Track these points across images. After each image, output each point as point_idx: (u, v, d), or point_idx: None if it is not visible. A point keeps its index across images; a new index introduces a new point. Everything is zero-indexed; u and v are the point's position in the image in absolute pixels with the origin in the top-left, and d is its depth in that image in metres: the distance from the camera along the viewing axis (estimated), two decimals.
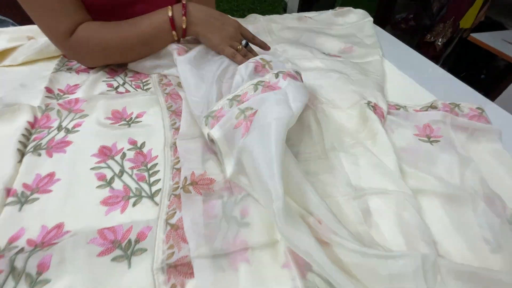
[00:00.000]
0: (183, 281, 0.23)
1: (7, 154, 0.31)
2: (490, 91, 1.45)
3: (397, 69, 0.54)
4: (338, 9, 0.73)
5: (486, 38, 1.35)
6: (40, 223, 0.26)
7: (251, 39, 0.46)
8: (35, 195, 0.28)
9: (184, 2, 0.42)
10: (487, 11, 2.29)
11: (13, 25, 1.15)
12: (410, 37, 2.71)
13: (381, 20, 1.79)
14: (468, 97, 0.48)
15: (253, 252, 0.25)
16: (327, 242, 0.24)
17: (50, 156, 0.32)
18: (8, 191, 0.28)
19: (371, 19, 0.69)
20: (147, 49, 0.44)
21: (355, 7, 0.75)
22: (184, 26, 0.42)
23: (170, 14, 0.41)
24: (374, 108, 0.38)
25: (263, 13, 0.71)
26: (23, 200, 0.27)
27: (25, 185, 0.29)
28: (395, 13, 2.66)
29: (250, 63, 0.38)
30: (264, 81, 0.34)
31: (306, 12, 0.75)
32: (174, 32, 0.42)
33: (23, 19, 0.44)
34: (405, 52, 0.65)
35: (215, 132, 0.31)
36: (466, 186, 0.31)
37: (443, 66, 2.45)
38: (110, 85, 0.44)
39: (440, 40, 2.36)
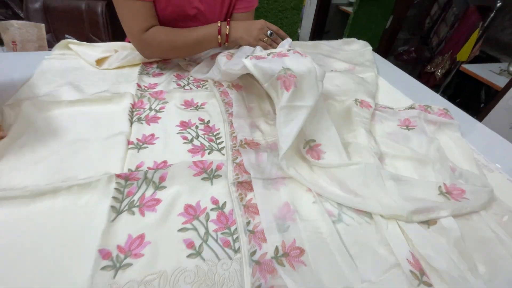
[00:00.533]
0: (246, 192, 0.38)
1: (123, 122, 0.48)
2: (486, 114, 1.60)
3: (388, 83, 0.71)
4: (345, 39, 0.92)
5: (475, 69, 1.53)
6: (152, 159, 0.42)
7: (276, 30, 0.63)
8: (145, 145, 0.44)
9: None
10: (482, 46, 2.51)
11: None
12: (412, 67, 2.94)
13: (383, 51, 2.01)
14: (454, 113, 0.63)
15: (288, 181, 0.40)
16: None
17: (148, 124, 0.49)
18: (128, 142, 0.44)
19: (371, 47, 0.87)
20: (199, 49, 0.64)
21: (361, 39, 0.94)
22: (227, 33, 0.60)
23: (219, 24, 0.60)
24: (361, 102, 0.54)
25: None
26: (139, 145, 0.44)
27: (138, 139, 0.45)
28: (398, 46, 2.91)
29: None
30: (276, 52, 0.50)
31: (318, 41, 0.94)
32: (219, 37, 0.60)
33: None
34: (396, 73, 0.82)
35: (248, 62, 0.44)
36: (430, 154, 0.46)
37: (443, 94, 2.62)
38: (179, 85, 0.62)
39: (439, 71, 2.57)
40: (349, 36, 1.77)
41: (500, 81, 1.37)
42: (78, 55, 0.68)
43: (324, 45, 0.87)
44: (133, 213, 0.35)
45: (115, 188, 0.37)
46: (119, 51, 0.70)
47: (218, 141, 0.47)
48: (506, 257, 0.33)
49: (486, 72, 1.49)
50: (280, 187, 0.39)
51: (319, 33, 2.71)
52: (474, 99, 2.23)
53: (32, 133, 0.45)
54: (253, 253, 0.31)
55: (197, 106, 0.56)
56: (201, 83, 0.64)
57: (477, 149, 0.51)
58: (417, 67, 2.91)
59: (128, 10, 0.57)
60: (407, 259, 0.32)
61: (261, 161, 0.43)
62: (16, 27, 1.19)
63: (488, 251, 0.34)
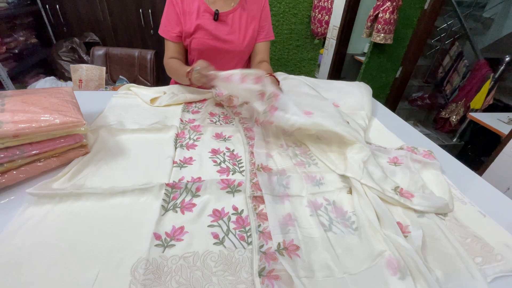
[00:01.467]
0: (258, 204, 0.50)
1: (170, 147, 0.64)
2: None
3: (384, 126, 0.83)
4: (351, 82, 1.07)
5: (483, 117, 1.61)
6: (190, 174, 0.56)
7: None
8: (185, 165, 0.59)
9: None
10: (499, 95, 2.58)
11: (126, 82, 1.68)
12: (427, 112, 3.02)
13: (394, 97, 2.14)
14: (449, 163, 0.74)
15: (291, 198, 0.52)
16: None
17: (188, 150, 0.65)
18: (173, 161, 0.59)
19: (371, 90, 1.00)
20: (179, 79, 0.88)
21: (372, 86, 1.07)
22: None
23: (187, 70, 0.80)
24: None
25: None
26: (181, 165, 0.58)
27: (180, 160, 0.60)
28: (412, 92, 3.05)
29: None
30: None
31: (330, 80, 1.08)
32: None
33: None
34: (392, 117, 0.94)
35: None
36: (411, 183, 0.56)
37: (460, 139, 2.63)
38: (212, 121, 0.79)
39: (454, 117, 2.63)
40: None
41: (507, 130, 1.43)
42: (136, 95, 0.88)
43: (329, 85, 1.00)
44: (176, 212, 0.48)
45: (164, 193, 0.51)
46: (167, 92, 0.90)
47: (240, 165, 0.61)
48: (462, 269, 0.41)
49: (494, 120, 1.56)
50: (285, 201, 0.51)
51: (335, 78, 2.93)
52: (490, 145, 2.24)
53: (107, 151, 0.61)
54: (261, 246, 0.43)
55: (225, 138, 0.71)
56: (229, 119, 0.80)
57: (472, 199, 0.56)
58: (432, 112, 3.00)
59: (166, 45, 0.92)
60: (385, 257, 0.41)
61: (272, 182, 0.55)
62: (84, 69, 1.49)
63: (448, 263, 0.42)
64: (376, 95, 2.10)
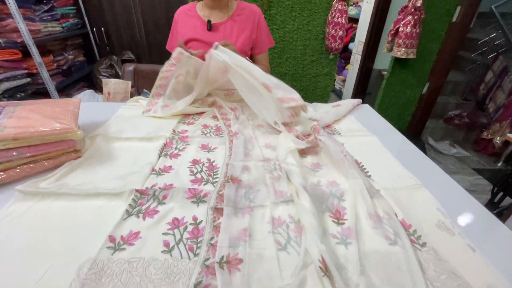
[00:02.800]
0: (219, 216, 0.50)
1: (154, 155, 0.67)
2: None
3: (382, 145, 0.77)
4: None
5: None
6: (165, 181, 0.58)
7: None
8: (163, 173, 0.61)
9: None
10: None
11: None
12: (465, 133, 2.74)
13: (421, 114, 1.99)
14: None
15: (253, 210, 0.51)
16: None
17: (170, 159, 0.67)
18: (152, 169, 0.62)
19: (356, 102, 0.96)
20: None
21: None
22: None
23: None
24: None
25: (312, 101, 1.05)
26: (159, 172, 0.61)
27: (160, 168, 0.63)
28: (448, 110, 2.80)
29: None
30: None
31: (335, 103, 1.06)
32: None
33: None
34: (392, 132, 0.87)
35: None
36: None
37: (506, 163, 2.33)
38: (203, 132, 0.81)
39: (498, 138, 2.34)
40: (382, 99, 1.85)
41: None
42: (142, 107, 0.95)
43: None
44: (138, 217, 0.50)
45: (133, 199, 0.53)
46: (168, 105, 0.96)
47: (215, 176, 0.62)
48: None
49: None
50: (245, 215, 0.50)
51: (360, 94, 2.83)
52: None
53: (98, 156, 0.67)
54: (207, 259, 0.42)
55: (210, 149, 0.73)
56: (220, 132, 0.82)
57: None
58: (471, 132, 2.71)
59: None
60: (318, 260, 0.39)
61: (238, 194, 0.55)
62: (113, 83, 1.65)
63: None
64: (400, 113, 1.98)
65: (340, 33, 1.48)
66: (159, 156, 0.68)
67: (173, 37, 1.07)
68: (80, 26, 2.42)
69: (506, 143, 2.31)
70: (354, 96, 2.90)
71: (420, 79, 1.80)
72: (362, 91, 2.86)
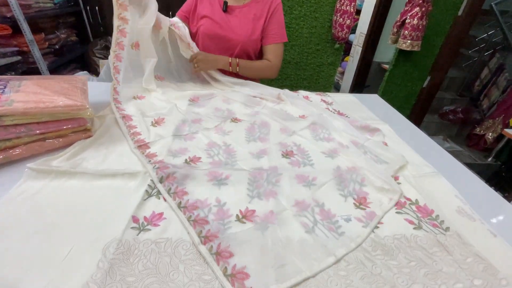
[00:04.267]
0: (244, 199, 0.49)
1: (168, 137, 0.65)
2: None
3: (399, 137, 0.78)
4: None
5: None
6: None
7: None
8: (181, 155, 0.59)
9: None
10: None
11: None
12: (459, 128, 2.80)
13: (420, 108, 2.02)
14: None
15: (277, 194, 0.50)
16: None
17: (186, 141, 0.65)
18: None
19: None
20: None
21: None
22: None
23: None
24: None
25: (315, 91, 1.05)
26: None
27: (176, 149, 0.61)
28: (443, 105, 2.85)
29: None
30: None
31: (346, 94, 1.06)
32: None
33: None
34: (410, 129, 0.88)
35: None
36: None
37: (496, 159, 2.41)
38: (215, 115, 0.79)
39: (490, 134, 2.41)
40: (384, 91, 1.86)
41: None
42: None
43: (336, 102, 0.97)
44: (159, 198, 0.48)
45: (151, 180, 0.51)
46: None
47: (233, 160, 0.60)
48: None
49: None
50: (270, 199, 0.50)
51: (359, 86, 2.84)
52: None
53: (109, 136, 0.64)
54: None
55: (225, 132, 0.71)
56: (231, 116, 0.80)
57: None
58: (465, 128, 2.78)
59: None
60: None
61: (261, 178, 0.54)
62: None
63: (440, 283, 0.38)
64: (400, 105, 2.00)
65: (348, 21, 1.46)
66: (173, 139, 0.66)
67: (186, 4, 1.03)
68: (72, 3, 2.30)
69: (497, 139, 2.38)
70: (353, 88, 2.91)
71: (422, 73, 1.81)
72: (361, 84, 2.87)
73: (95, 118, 0.69)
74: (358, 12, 3.03)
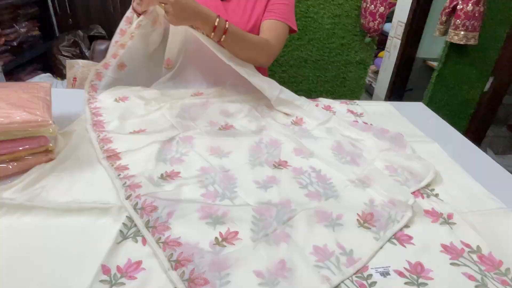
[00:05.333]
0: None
1: (151, 163, 0.67)
2: None
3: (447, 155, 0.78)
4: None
5: None
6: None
7: None
8: (166, 182, 0.61)
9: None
10: None
11: None
12: None
13: (482, 119, 2.01)
14: None
15: (290, 236, 0.50)
16: None
17: (172, 165, 0.67)
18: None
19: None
20: None
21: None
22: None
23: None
24: None
25: (341, 97, 1.07)
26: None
27: (159, 175, 0.62)
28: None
29: None
30: None
31: (377, 102, 1.08)
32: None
33: None
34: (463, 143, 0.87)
35: None
36: None
37: None
38: (210, 130, 0.81)
39: None
40: (431, 97, 1.87)
41: None
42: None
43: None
44: (136, 241, 0.49)
45: (126, 216, 0.52)
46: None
47: (233, 189, 0.61)
48: None
49: None
50: (281, 243, 0.50)
51: (398, 90, 2.86)
52: None
53: (75, 159, 0.66)
54: None
55: (222, 153, 0.72)
56: (232, 130, 0.82)
57: None
58: None
59: None
60: None
61: (268, 215, 0.55)
62: (80, 65, 1.65)
63: None
64: (454, 117, 2.00)
65: (382, 9, 1.50)
66: (156, 162, 0.67)
67: None
68: None
69: None
70: (390, 93, 2.93)
71: (482, 73, 1.82)
72: (400, 86, 2.89)
73: (58, 135, 0.72)
74: None
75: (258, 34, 1.02)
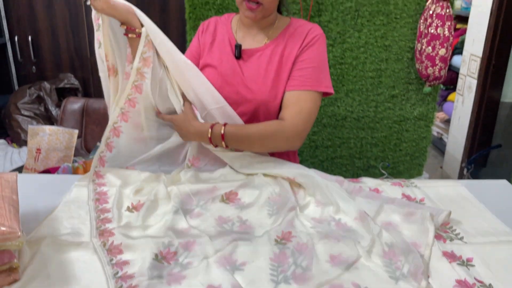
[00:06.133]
0: None
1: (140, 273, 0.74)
2: None
3: None
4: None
5: None
6: None
7: None
8: None
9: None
10: None
11: None
12: None
13: None
14: None
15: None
16: None
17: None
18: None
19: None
20: None
21: None
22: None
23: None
24: None
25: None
26: None
27: None
28: None
29: None
30: None
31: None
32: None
33: None
34: None
35: None
36: None
37: None
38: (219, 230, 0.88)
39: None
40: None
41: None
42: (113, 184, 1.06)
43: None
44: None
45: None
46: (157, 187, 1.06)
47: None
48: None
49: None
50: None
51: (480, 146, 2.89)
52: None
53: (45, 279, 0.73)
54: None
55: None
56: (248, 232, 0.89)
57: None
58: None
59: None
60: None
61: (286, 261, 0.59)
62: (47, 133, 1.81)
63: None
64: None
65: (443, 51, 1.62)
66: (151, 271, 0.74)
67: (190, 48, 1.32)
68: None
69: None
70: (469, 151, 2.95)
71: None
72: (484, 141, 2.92)
73: (25, 246, 0.80)
74: (462, 19, 3.31)
75: (280, 99, 1.17)
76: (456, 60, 3.28)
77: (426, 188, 1.09)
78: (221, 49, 1.21)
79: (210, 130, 1.09)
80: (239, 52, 1.17)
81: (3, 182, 0.84)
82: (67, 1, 2.74)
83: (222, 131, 1.08)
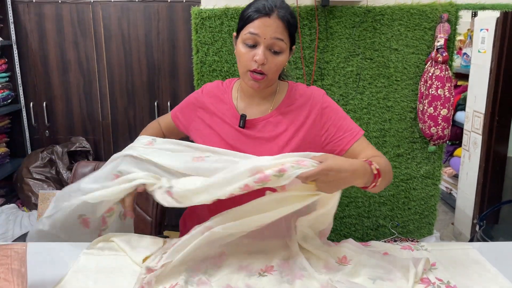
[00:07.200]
0: None
1: None
2: None
3: None
4: None
5: None
6: None
7: None
8: None
9: None
10: None
11: None
12: None
13: None
14: None
15: None
16: None
17: None
18: None
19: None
20: None
21: None
22: None
23: None
24: None
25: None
26: None
27: None
28: None
29: None
30: None
31: None
32: None
33: None
34: None
35: None
36: None
37: None
38: None
39: None
40: None
41: None
42: (122, 250, 1.05)
43: None
44: None
45: None
46: (167, 249, 1.05)
47: None
48: None
49: None
50: None
51: (491, 201, 2.84)
52: None
53: None
54: None
55: None
56: None
57: None
58: None
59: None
60: None
61: None
62: None
63: None
64: None
65: (444, 112, 1.65)
66: None
67: (182, 107, 1.37)
68: (10, 100, 2.85)
69: None
70: (479, 207, 2.91)
71: None
72: (495, 196, 2.89)
73: None
74: (463, 76, 3.39)
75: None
76: (460, 116, 3.31)
77: (436, 251, 1.07)
78: (223, 119, 1.22)
79: (371, 166, 0.96)
80: (243, 123, 1.17)
81: (13, 254, 0.85)
82: (81, 67, 2.85)
83: (377, 166, 0.97)
